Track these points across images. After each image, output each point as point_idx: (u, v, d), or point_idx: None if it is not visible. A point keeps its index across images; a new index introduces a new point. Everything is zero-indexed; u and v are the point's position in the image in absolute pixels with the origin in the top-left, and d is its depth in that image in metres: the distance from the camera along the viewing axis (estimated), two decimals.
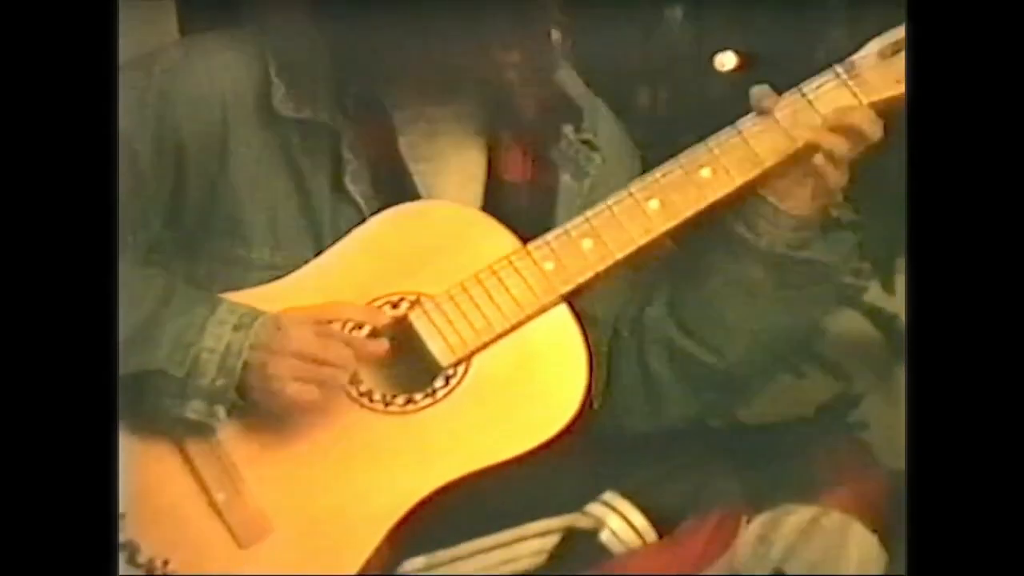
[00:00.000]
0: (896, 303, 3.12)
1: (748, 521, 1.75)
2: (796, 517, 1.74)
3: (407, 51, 1.80)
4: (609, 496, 1.77)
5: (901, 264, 3.06)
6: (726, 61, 3.06)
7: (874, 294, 3.12)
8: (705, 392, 1.92)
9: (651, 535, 1.76)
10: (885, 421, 3.19)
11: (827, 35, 2.80)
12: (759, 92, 1.81)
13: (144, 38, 2.09)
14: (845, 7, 2.95)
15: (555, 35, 1.89)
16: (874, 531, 1.74)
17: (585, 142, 1.91)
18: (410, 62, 1.81)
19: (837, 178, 1.81)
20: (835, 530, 1.73)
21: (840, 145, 1.79)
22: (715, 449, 1.86)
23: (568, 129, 1.90)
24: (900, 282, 3.07)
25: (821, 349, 3.13)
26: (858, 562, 1.73)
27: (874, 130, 1.79)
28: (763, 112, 1.79)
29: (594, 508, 1.77)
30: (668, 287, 1.91)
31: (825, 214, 1.86)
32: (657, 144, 2.69)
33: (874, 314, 3.14)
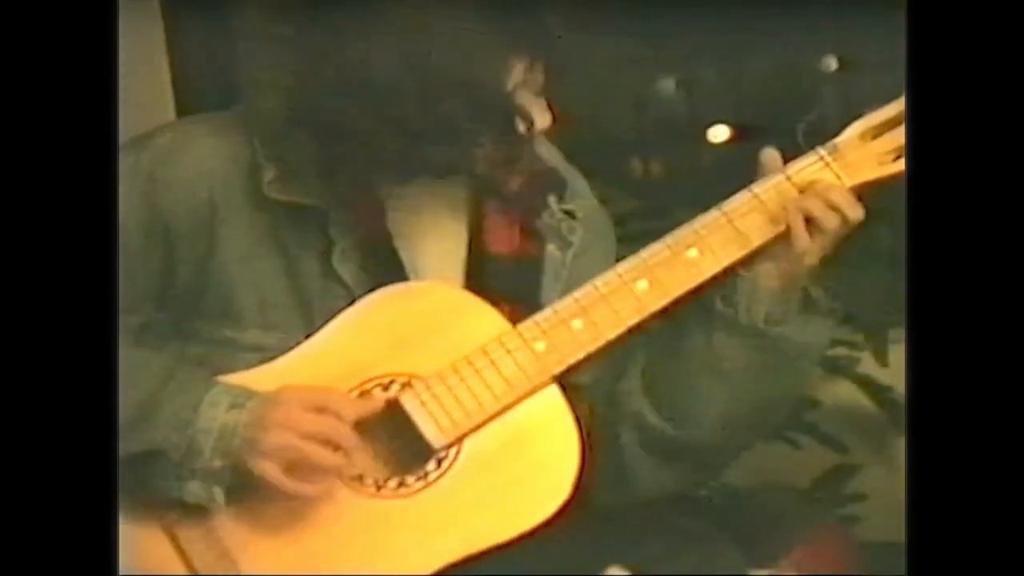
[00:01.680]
0: (890, 375, 3.13)
1: None
2: None
3: (392, 130, 1.79)
4: (613, 570, 1.76)
5: (894, 335, 3.08)
6: (719, 133, 3.07)
7: (867, 365, 3.13)
8: (672, 467, 1.90)
9: None
10: (883, 491, 3.18)
11: (817, 107, 2.79)
12: (769, 156, 1.82)
13: (142, 119, 2.09)
14: (834, 81, 2.97)
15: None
16: None
17: (567, 212, 1.91)
18: (395, 140, 1.80)
19: (811, 250, 1.80)
20: None
21: (817, 210, 1.78)
22: (716, 521, 1.86)
23: (552, 199, 1.90)
24: (894, 353, 3.08)
25: (816, 420, 3.14)
26: None
27: (854, 212, 1.79)
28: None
29: None
30: (643, 358, 1.89)
31: (805, 293, 1.85)
32: (650, 214, 2.70)
33: (868, 385, 3.15)
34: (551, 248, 1.88)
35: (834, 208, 1.78)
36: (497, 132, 1.80)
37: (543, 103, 1.83)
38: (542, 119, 1.82)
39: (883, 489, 3.12)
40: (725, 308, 1.82)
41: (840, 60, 3.10)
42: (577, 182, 1.95)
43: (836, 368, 3.11)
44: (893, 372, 3.09)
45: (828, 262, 3.02)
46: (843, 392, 3.17)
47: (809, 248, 1.80)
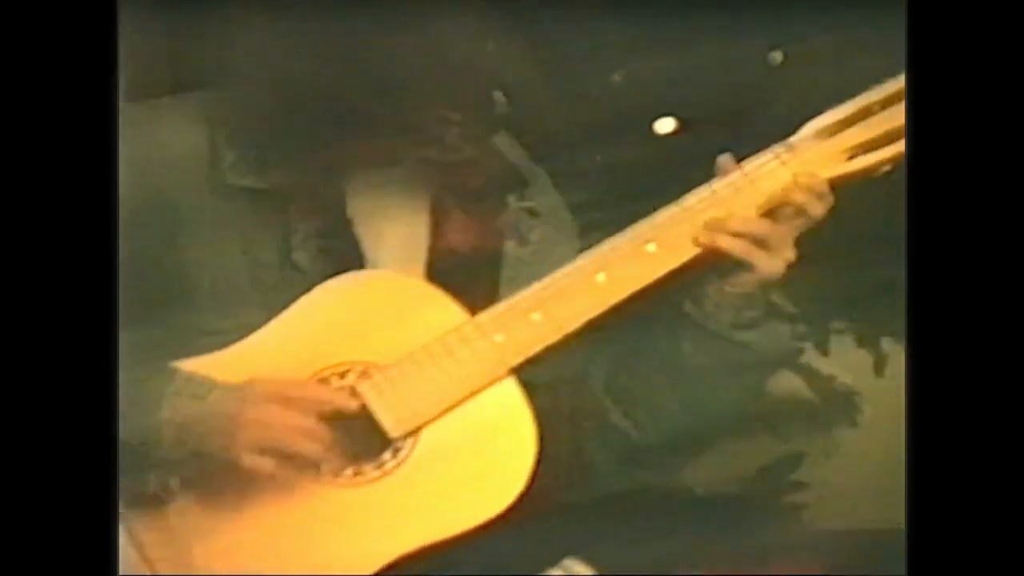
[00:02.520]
0: (831, 365, 3.15)
1: None
2: None
3: (356, 115, 1.80)
4: (569, 561, 1.76)
5: (836, 326, 3.10)
6: (665, 125, 3.09)
7: (809, 355, 3.14)
8: (630, 465, 1.93)
9: None
10: (825, 479, 3.21)
11: (768, 103, 2.80)
12: (724, 160, 1.83)
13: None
14: (782, 80, 2.98)
15: (498, 97, 1.91)
16: None
17: (528, 210, 1.92)
18: (359, 126, 1.81)
19: (775, 266, 1.82)
20: None
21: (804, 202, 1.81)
22: (671, 514, 1.87)
23: (512, 198, 1.92)
24: (834, 344, 3.10)
25: (763, 410, 3.17)
26: None
27: (816, 208, 1.81)
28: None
29: (552, 571, 1.76)
30: (607, 359, 1.91)
31: (769, 303, 1.87)
32: (598, 206, 2.71)
33: (811, 375, 3.17)
34: (510, 244, 1.89)
35: (799, 209, 1.81)
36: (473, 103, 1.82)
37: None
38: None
39: (824, 478, 3.18)
40: (695, 310, 1.83)
41: (785, 55, 3.13)
42: (540, 180, 1.96)
43: (780, 363, 3.18)
44: (833, 362, 3.12)
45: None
46: (785, 382, 3.18)
47: (772, 265, 1.82)
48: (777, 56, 3.11)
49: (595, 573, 1.75)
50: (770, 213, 1.82)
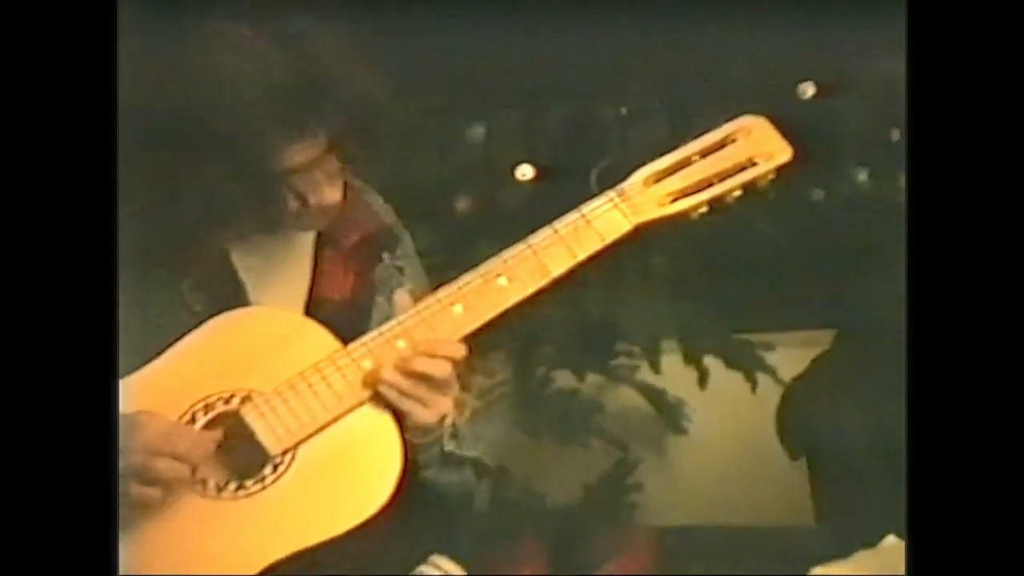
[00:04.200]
0: (663, 380, 3.19)
1: None
2: None
3: (237, 187, 1.76)
4: (436, 558, 1.76)
5: (667, 346, 3.14)
6: (526, 172, 3.12)
7: (644, 372, 3.18)
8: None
9: None
10: (658, 481, 3.24)
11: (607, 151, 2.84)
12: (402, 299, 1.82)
13: None
14: (618, 134, 3.03)
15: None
16: None
17: (398, 268, 1.92)
18: (240, 199, 1.77)
19: (430, 415, 1.78)
20: None
21: (403, 384, 1.76)
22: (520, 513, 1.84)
23: (386, 255, 1.91)
24: (665, 362, 3.13)
25: (601, 423, 3.19)
26: None
27: (443, 373, 1.76)
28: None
29: (424, 568, 1.76)
30: None
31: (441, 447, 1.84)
32: (462, 247, 2.72)
33: (645, 389, 3.21)
34: (380, 299, 1.88)
35: (424, 376, 1.75)
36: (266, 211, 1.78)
37: (334, 181, 1.80)
38: (329, 195, 1.79)
39: (658, 480, 3.22)
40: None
41: (629, 110, 3.18)
42: (405, 238, 1.95)
43: (618, 377, 3.18)
44: (665, 377, 3.15)
45: (610, 285, 3.11)
46: (624, 397, 3.23)
47: (427, 415, 1.77)
48: (623, 110, 3.17)
49: (462, 572, 1.75)
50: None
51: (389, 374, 1.75)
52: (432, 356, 1.75)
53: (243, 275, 1.85)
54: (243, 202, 1.78)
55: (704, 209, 1.81)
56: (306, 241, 1.89)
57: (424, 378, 1.75)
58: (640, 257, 3.16)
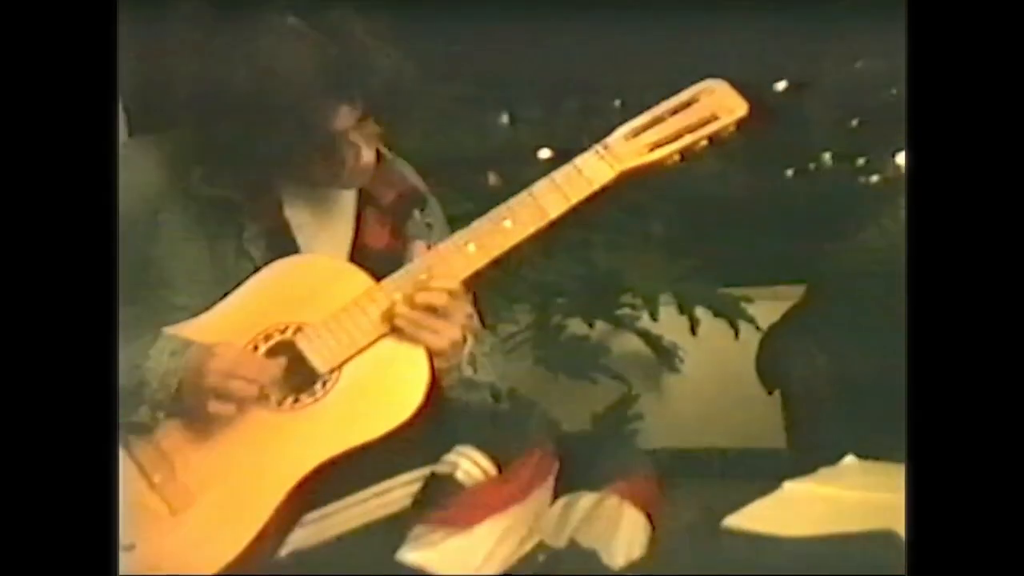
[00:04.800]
0: (659, 327, 3.20)
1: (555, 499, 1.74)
2: (585, 500, 1.72)
3: (294, 148, 1.78)
4: (460, 447, 1.74)
5: (663, 299, 3.15)
6: (545, 153, 3.16)
7: (644, 321, 3.19)
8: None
9: (492, 471, 1.74)
10: (654, 411, 3.28)
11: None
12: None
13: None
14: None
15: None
16: (644, 512, 1.74)
17: (428, 224, 1.91)
18: (295, 157, 1.79)
19: (443, 343, 1.76)
20: (613, 510, 1.72)
21: (411, 315, 1.75)
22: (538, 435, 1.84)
23: (416, 212, 1.90)
24: (662, 311, 3.14)
25: (607, 363, 3.23)
26: (629, 535, 1.72)
27: (441, 302, 1.75)
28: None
29: (449, 457, 1.74)
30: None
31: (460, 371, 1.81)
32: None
33: (645, 335, 3.22)
34: (411, 248, 1.86)
35: (431, 307, 1.74)
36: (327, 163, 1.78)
37: (371, 145, 1.80)
38: (366, 156, 1.80)
39: (654, 410, 3.26)
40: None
41: (623, 102, 3.20)
42: (432, 201, 1.95)
43: (622, 324, 3.20)
44: (662, 325, 3.17)
45: (616, 247, 3.13)
46: (627, 342, 3.26)
47: (437, 340, 1.76)
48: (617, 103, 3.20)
49: (485, 457, 1.73)
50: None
51: (400, 307, 1.75)
52: (430, 290, 1.75)
53: (295, 229, 1.84)
54: (296, 161, 1.78)
55: (677, 157, 1.80)
56: (348, 199, 1.88)
57: (428, 308, 1.74)
58: (641, 224, 3.19)
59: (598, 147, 1.80)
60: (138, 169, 1.82)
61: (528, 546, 1.69)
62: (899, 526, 1.48)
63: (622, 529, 1.70)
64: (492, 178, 3.21)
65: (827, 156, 3.21)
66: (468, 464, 1.73)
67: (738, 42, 3.14)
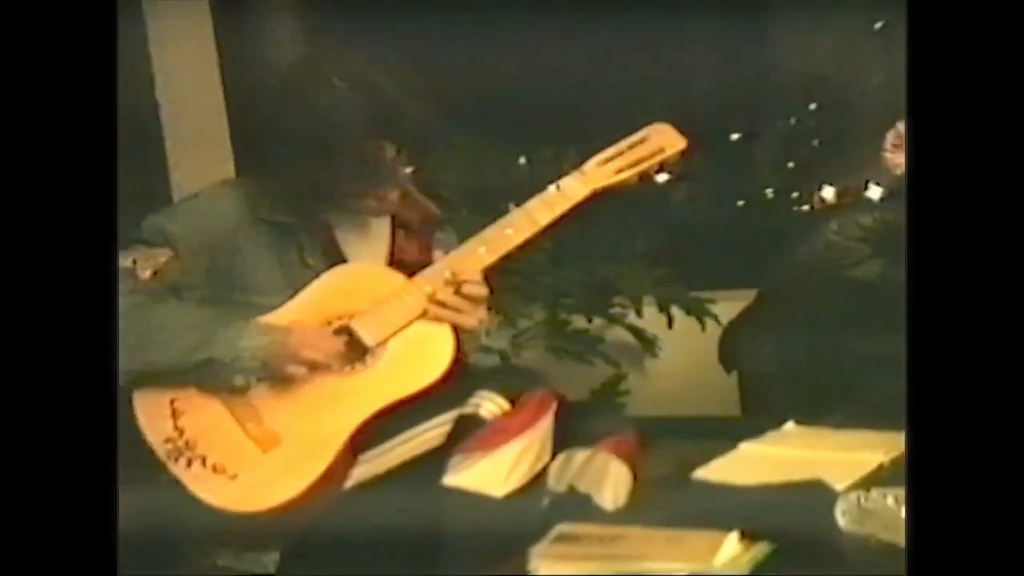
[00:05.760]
0: (644, 322, 3.17)
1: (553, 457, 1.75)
2: (581, 455, 1.73)
3: (344, 185, 1.80)
4: (481, 392, 1.76)
5: (647, 300, 3.11)
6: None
7: (631, 317, 3.19)
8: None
9: (507, 407, 1.75)
10: (638, 388, 3.31)
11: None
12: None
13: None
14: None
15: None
16: (629, 466, 1.76)
17: (444, 240, 1.92)
18: (339, 191, 1.81)
19: (471, 320, 1.79)
20: (603, 463, 1.73)
21: (450, 300, 1.78)
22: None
23: (438, 233, 1.92)
24: (646, 310, 3.12)
25: (602, 349, 3.25)
26: (616, 483, 1.72)
27: (479, 292, 1.78)
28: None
29: (473, 400, 1.75)
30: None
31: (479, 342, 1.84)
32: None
33: (631, 328, 3.20)
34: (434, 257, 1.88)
35: (469, 297, 1.77)
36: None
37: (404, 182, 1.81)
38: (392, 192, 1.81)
39: (639, 387, 3.23)
40: None
41: None
42: (447, 226, 1.95)
43: (614, 319, 3.18)
44: (645, 320, 3.15)
45: (609, 259, 3.17)
46: (617, 333, 3.24)
47: (470, 320, 1.78)
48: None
49: (503, 399, 1.73)
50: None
51: (442, 294, 1.78)
52: (470, 281, 1.78)
53: (343, 246, 1.86)
54: (344, 194, 1.81)
55: (636, 179, 1.84)
56: (384, 223, 1.89)
57: (467, 296, 1.78)
58: (629, 241, 3.21)
59: (576, 173, 1.84)
60: (225, 199, 1.85)
61: (539, 465, 1.70)
62: (828, 477, 1.52)
63: (610, 478, 1.70)
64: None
65: (769, 191, 3.29)
66: (488, 403, 1.73)
67: (705, 104, 3.22)
